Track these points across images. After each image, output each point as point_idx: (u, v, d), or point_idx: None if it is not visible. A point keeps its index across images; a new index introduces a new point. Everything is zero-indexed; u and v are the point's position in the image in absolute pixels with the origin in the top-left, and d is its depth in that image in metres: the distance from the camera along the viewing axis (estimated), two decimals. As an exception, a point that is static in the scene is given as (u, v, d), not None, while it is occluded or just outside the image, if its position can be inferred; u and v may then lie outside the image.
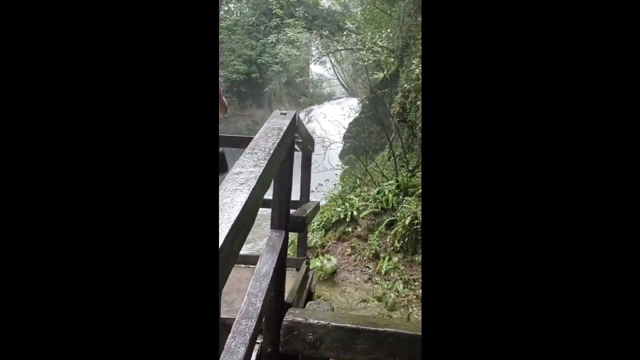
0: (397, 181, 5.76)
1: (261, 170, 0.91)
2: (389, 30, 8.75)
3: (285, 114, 1.49)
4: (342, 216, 5.36)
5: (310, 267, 5.28)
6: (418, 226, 4.34)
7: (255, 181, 0.85)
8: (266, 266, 1.31)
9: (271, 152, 1.03)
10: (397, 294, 3.66)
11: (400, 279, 3.92)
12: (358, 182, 7.42)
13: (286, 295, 1.69)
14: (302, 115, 16.36)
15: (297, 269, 2.44)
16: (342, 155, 10.32)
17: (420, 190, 5.25)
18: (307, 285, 2.38)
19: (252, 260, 2.20)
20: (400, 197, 5.50)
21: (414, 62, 5.59)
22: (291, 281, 2.01)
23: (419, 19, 7.31)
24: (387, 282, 3.97)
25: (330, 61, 16.59)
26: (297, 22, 11.89)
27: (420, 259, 4.14)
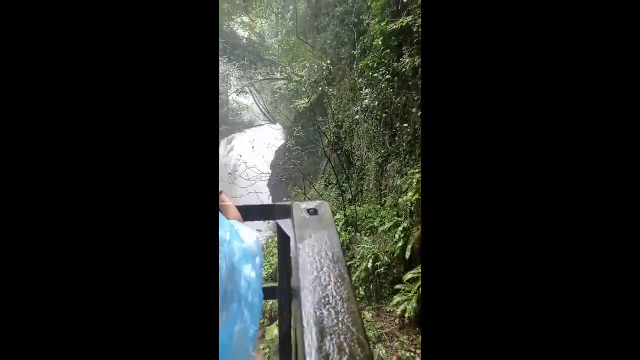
0: (345, 215, 5.52)
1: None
2: (313, 61, 8.74)
3: (315, 212, 0.78)
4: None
5: (267, 337, 4.15)
6: (382, 269, 4.07)
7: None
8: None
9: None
10: None
11: (374, 335, 3.55)
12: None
13: None
14: (223, 144, 15.50)
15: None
16: (270, 184, 9.80)
17: (371, 224, 5.05)
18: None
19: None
20: (352, 233, 5.24)
21: (363, 92, 5.44)
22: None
23: (342, 50, 7.38)
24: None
25: (250, 90, 16.21)
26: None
27: (388, 308, 3.85)
